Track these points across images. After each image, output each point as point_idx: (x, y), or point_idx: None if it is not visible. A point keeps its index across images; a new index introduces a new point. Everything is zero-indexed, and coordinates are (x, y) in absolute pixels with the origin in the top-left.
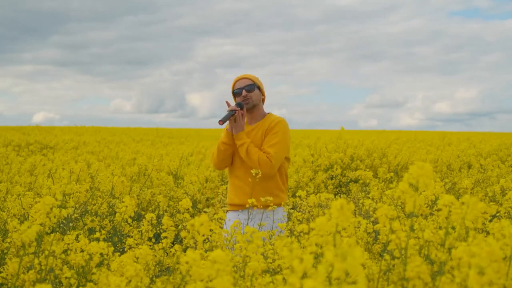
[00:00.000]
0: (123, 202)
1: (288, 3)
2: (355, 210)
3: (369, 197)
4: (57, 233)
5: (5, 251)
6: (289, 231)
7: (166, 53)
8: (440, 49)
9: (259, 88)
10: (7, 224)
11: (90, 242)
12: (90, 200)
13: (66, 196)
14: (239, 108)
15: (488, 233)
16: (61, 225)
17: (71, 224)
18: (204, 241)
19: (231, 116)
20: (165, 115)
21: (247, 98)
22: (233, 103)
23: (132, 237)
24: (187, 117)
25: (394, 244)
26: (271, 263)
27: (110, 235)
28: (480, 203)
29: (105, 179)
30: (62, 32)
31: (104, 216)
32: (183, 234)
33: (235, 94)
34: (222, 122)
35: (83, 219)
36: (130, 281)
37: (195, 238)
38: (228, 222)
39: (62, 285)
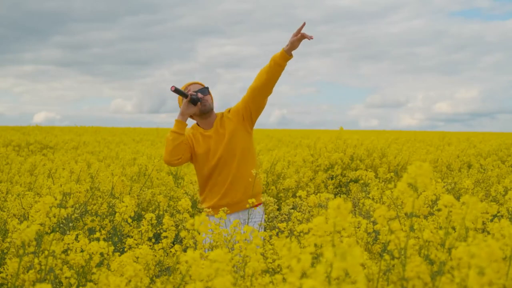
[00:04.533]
0: (123, 202)
1: (289, 4)
2: (355, 210)
3: (369, 197)
4: (57, 233)
5: (5, 251)
6: (289, 231)
7: (167, 53)
8: (441, 49)
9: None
10: (7, 224)
11: (90, 242)
12: (90, 200)
13: (66, 196)
14: (195, 96)
15: (488, 233)
16: (61, 225)
17: (71, 224)
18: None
19: (184, 94)
20: (165, 115)
21: (204, 101)
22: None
23: (132, 237)
24: None
25: (393, 244)
26: (271, 263)
27: (110, 235)
28: (480, 203)
29: (105, 179)
30: (63, 32)
31: (104, 216)
32: (183, 234)
33: (192, 98)
34: (174, 88)
35: (83, 219)
36: (130, 281)
37: (195, 238)
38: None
39: (62, 285)
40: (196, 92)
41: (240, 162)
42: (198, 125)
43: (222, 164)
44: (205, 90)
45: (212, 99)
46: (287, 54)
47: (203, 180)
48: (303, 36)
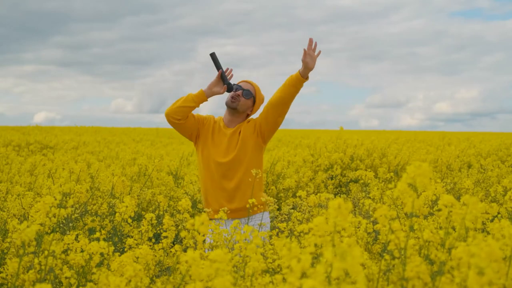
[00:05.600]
0: (123, 202)
1: (289, 4)
2: (355, 210)
3: (369, 197)
4: (57, 233)
5: (5, 251)
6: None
7: (167, 53)
8: (441, 49)
9: (254, 102)
10: (7, 224)
11: (90, 242)
12: (90, 200)
13: (66, 196)
14: (228, 81)
15: (488, 233)
16: (61, 225)
17: (71, 224)
18: (203, 241)
19: (219, 65)
20: None
21: (237, 98)
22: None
23: (132, 237)
24: None
25: (393, 244)
26: (271, 263)
27: (110, 235)
28: (480, 203)
29: (105, 179)
30: (64, 32)
31: (104, 216)
32: (183, 234)
33: (234, 86)
34: (214, 54)
35: (83, 219)
36: (130, 281)
37: (195, 238)
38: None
39: (62, 285)
40: (241, 88)
41: (247, 171)
42: (223, 119)
43: (228, 168)
44: (248, 93)
45: (249, 106)
46: (302, 77)
47: (204, 177)
48: (309, 52)
